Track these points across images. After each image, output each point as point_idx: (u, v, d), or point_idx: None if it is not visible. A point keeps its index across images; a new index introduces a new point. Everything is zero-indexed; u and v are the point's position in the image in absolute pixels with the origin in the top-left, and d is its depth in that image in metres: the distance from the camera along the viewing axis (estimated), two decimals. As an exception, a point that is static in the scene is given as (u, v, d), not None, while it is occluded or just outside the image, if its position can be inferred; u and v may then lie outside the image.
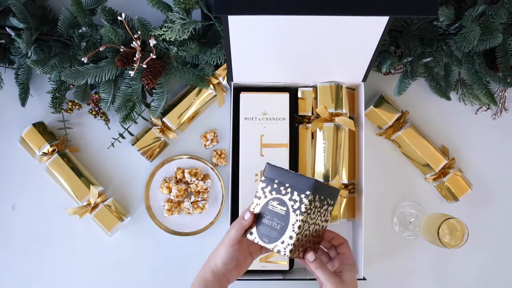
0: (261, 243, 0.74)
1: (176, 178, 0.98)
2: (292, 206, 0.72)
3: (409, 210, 1.00)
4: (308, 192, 0.72)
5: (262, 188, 0.75)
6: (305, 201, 0.72)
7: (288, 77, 0.91)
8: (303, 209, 0.72)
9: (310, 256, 0.74)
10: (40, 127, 0.95)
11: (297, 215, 0.72)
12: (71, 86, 0.93)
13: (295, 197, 0.72)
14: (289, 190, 0.73)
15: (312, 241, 0.76)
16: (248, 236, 0.75)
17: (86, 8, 0.87)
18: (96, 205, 0.95)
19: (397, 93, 0.93)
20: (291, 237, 0.72)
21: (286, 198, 0.73)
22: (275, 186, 0.74)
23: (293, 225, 0.72)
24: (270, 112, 0.93)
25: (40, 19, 0.90)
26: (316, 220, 0.75)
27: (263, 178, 0.75)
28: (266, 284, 0.96)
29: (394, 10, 0.67)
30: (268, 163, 0.76)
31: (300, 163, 0.94)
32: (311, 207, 0.72)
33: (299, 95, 0.95)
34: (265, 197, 0.74)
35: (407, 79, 0.92)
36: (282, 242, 0.73)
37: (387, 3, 0.67)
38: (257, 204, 0.75)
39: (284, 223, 0.73)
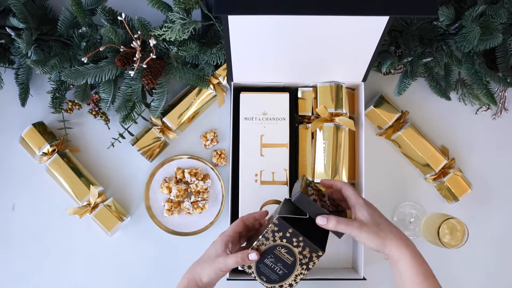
0: (258, 280, 0.74)
1: (176, 178, 0.98)
2: (301, 260, 0.72)
3: (409, 210, 1.00)
4: (320, 253, 0.72)
5: (273, 231, 0.72)
6: (315, 260, 0.72)
7: (288, 77, 0.91)
8: (310, 266, 0.73)
9: (321, 219, 0.71)
10: (40, 127, 0.95)
11: (303, 269, 0.73)
12: (71, 86, 0.93)
13: (306, 253, 0.72)
14: (301, 244, 0.72)
15: None
16: (246, 269, 0.74)
17: (86, 8, 0.87)
18: (96, 205, 0.95)
19: (397, 93, 0.93)
20: (290, 285, 0.74)
21: (296, 250, 0.72)
22: (288, 235, 0.72)
23: (296, 276, 0.73)
24: (270, 112, 0.92)
25: (40, 19, 0.90)
26: None
27: (276, 222, 0.71)
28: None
29: (394, 10, 0.67)
30: (280, 216, 0.71)
31: (300, 163, 0.94)
32: (317, 262, 0.73)
33: (299, 95, 0.95)
34: (274, 241, 0.72)
35: (407, 79, 0.92)
36: (281, 286, 0.74)
37: (387, 3, 0.67)
38: (262, 244, 0.73)
39: (287, 271, 0.73)
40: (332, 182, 0.79)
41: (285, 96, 0.93)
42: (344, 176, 0.93)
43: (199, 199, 0.97)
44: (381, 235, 0.71)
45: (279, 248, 0.73)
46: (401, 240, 0.71)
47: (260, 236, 0.72)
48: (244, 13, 0.67)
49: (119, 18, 0.85)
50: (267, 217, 0.80)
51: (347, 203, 0.76)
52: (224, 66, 0.94)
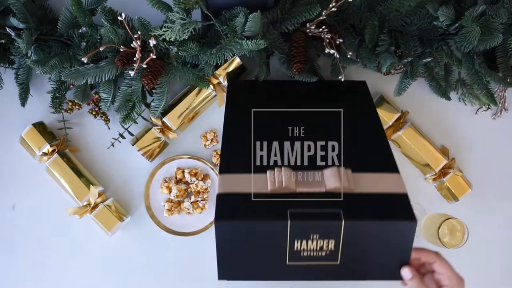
0: None
1: (176, 178, 0.98)
2: None
3: (409, 210, 1.00)
4: None
5: None
6: None
7: None
8: None
9: (407, 273, 0.65)
10: (40, 127, 0.95)
11: None
12: (71, 86, 0.93)
13: None
14: None
15: None
16: None
17: (86, 8, 0.87)
18: (96, 205, 0.95)
19: (397, 93, 0.93)
20: None
21: None
22: None
23: None
24: (270, 112, 0.92)
25: (40, 19, 0.90)
26: None
27: None
28: (266, 284, 0.96)
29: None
30: None
31: (300, 163, 0.94)
32: None
33: (299, 95, 0.95)
34: None
35: (407, 79, 0.92)
36: None
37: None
38: None
39: None
40: (422, 253, 0.70)
41: (285, 96, 0.93)
42: (344, 176, 0.93)
43: (199, 199, 0.97)
44: None
45: None
46: None
47: None
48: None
49: (119, 18, 0.85)
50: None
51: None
52: (224, 66, 0.93)
